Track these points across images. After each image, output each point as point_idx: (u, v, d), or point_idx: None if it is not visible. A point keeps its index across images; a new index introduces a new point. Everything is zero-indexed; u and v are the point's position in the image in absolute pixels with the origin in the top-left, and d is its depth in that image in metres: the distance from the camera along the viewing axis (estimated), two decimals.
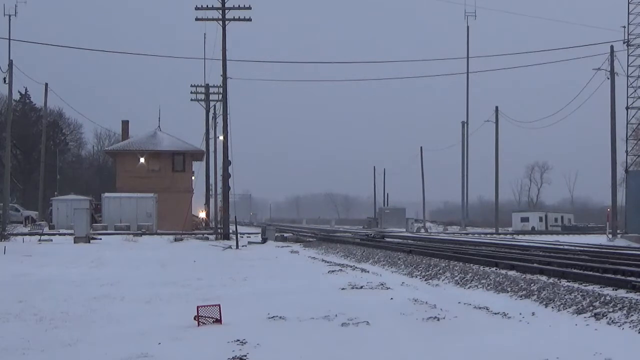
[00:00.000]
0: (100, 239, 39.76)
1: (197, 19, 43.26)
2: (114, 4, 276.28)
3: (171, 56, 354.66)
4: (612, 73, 46.35)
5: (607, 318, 10.65)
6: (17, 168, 71.05)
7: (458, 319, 11.12)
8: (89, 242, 37.30)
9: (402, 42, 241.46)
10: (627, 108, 49.21)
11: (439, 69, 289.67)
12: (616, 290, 12.78)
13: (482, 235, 53.04)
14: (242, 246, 35.25)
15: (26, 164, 75.21)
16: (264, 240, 40.74)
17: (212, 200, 65.79)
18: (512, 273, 16.49)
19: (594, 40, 62.41)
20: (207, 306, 11.01)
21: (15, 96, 69.54)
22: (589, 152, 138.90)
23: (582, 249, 27.86)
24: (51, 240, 38.37)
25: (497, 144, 68.44)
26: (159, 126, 64.57)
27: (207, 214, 65.87)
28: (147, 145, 60.18)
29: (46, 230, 48.98)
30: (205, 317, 10.74)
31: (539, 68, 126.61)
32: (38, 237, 40.08)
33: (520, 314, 11.52)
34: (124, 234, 45.40)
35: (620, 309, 10.86)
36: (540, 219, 76.95)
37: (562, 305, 12.03)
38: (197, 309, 10.82)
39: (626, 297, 11.55)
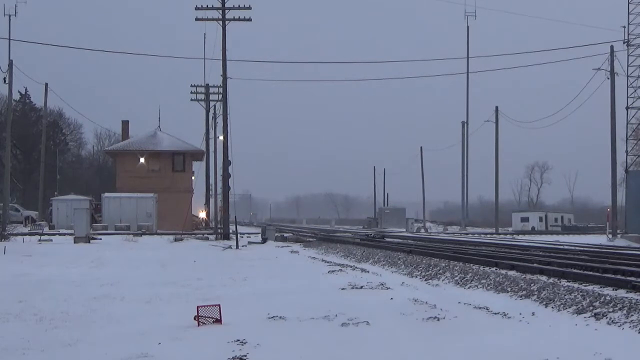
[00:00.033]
0: (100, 239, 39.76)
1: (197, 19, 43.28)
2: (114, 4, 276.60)
3: (171, 56, 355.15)
4: (612, 73, 46.36)
5: (607, 318, 10.64)
6: (17, 168, 71.05)
7: (458, 319, 11.12)
8: (89, 242, 37.30)
9: (402, 42, 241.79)
10: (627, 108, 49.22)
11: (439, 69, 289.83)
12: (616, 290, 12.77)
13: (482, 235, 53.05)
14: (242, 246, 35.25)
15: (26, 164, 75.22)
16: (264, 240, 40.74)
17: (212, 200, 65.81)
18: (512, 273, 16.48)
19: (594, 40, 62.40)
20: (207, 306, 11.01)
21: (15, 96, 69.60)
22: (589, 152, 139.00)
23: (582, 249, 27.86)
24: (51, 240, 38.37)
25: (497, 144, 68.51)
26: (159, 126, 64.66)
27: (207, 214, 65.88)
28: (147, 145, 60.19)
29: (46, 230, 48.98)
30: (205, 317, 10.74)
31: (539, 68, 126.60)
32: (38, 237, 40.08)
33: (520, 314, 11.52)
34: (124, 234, 45.40)
35: (620, 309, 10.86)
36: (540, 219, 76.95)
37: (562, 305, 12.03)
38: (197, 309, 10.82)
39: (626, 297, 11.55)
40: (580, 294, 12.41)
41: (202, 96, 61.98)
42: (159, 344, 9.20)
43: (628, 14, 49.37)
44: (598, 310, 11.14)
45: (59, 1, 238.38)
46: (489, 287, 15.17)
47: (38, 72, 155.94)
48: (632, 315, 10.42)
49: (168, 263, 23.80)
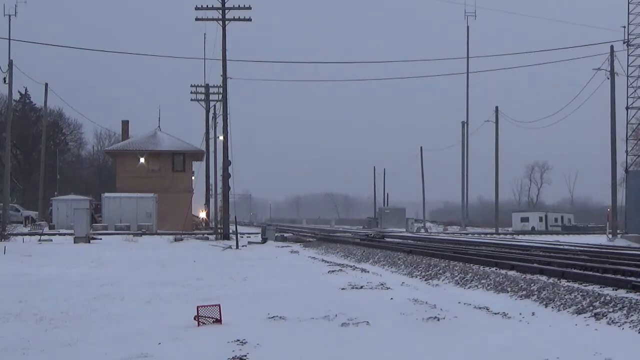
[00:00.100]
0: (100, 239, 39.77)
1: (197, 19, 43.28)
2: (114, 4, 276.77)
3: (171, 56, 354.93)
4: (612, 73, 46.37)
5: (607, 318, 10.64)
6: (17, 168, 71.05)
7: (458, 319, 11.12)
8: (89, 242, 37.31)
9: (403, 42, 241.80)
10: (627, 108, 49.23)
11: (439, 69, 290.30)
12: (616, 290, 12.77)
13: (482, 235, 53.06)
14: (242, 246, 35.25)
15: (26, 164, 75.22)
16: (264, 240, 40.74)
17: (212, 200, 65.79)
18: (512, 273, 16.48)
19: (594, 40, 62.48)
20: (207, 306, 11.01)
21: (15, 96, 69.61)
22: (589, 152, 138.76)
23: (582, 249, 27.86)
24: (51, 240, 38.37)
25: (497, 144, 68.54)
26: (159, 126, 64.68)
27: (207, 214, 65.87)
28: (147, 145, 60.20)
29: (46, 230, 48.98)
30: (205, 317, 10.74)
31: (539, 68, 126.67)
32: (38, 237, 40.08)
33: (520, 314, 11.52)
34: (124, 234, 45.41)
35: (620, 309, 10.86)
36: (540, 219, 76.96)
37: (562, 305, 12.03)
38: (197, 309, 10.82)
39: (626, 297, 11.54)
40: (580, 294, 12.41)
41: (202, 96, 61.99)
42: (159, 344, 9.20)
43: (628, 14, 49.41)
44: (598, 310, 11.14)
45: (59, 1, 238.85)
46: (489, 287, 15.17)
47: (38, 72, 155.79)
48: (632, 315, 10.42)
49: (168, 263, 23.80)
